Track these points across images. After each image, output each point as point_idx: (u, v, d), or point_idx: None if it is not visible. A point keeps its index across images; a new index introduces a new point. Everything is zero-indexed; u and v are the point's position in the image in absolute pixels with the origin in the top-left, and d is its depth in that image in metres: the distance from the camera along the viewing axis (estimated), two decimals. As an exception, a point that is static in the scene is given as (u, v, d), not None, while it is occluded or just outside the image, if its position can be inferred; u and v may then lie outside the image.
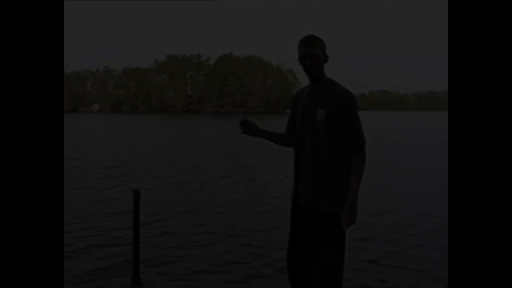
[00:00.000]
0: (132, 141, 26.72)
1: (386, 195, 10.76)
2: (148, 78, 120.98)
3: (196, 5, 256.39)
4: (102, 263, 5.77)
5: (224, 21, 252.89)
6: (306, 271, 3.46)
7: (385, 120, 71.18)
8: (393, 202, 10.04)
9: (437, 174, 13.79)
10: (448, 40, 2.43)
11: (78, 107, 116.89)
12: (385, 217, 8.52)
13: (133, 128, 42.43)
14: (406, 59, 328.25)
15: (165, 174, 14.07)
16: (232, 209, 9.26)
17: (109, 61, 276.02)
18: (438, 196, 10.47)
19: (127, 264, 5.20)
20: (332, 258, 3.34)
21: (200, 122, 58.30)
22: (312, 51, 3.37)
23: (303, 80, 3.50)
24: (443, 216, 8.41)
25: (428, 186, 11.94)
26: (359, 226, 3.37)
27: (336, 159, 3.34)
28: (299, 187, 3.51)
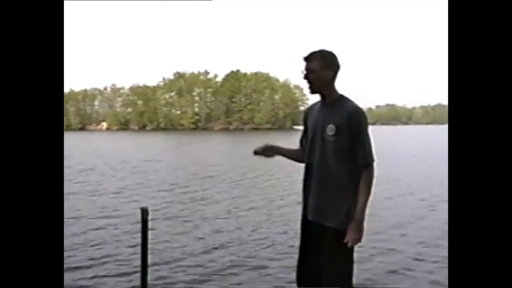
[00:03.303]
0: (147, 160, 26.56)
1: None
2: (155, 96, 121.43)
3: (203, 21, 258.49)
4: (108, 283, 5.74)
5: (232, 37, 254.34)
6: (315, 286, 3.41)
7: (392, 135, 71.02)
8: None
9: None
10: (448, 51, 2.42)
11: (86, 125, 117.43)
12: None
13: (145, 146, 42.43)
14: (412, 72, 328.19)
15: (176, 193, 13.98)
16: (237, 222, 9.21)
17: (117, 79, 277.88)
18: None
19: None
20: (341, 274, 3.31)
21: (209, 139, 58.31)
22: (308, 66, 3.36)
23: (311, 96, 3.45)
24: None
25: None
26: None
27: (345, 175, 3.31)
28: (308, 203, 3.48)
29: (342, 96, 3.43)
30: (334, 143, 3.31)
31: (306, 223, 3.51)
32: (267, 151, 3.65)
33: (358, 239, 3.26)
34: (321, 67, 3.37)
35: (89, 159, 25.26)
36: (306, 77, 3.38)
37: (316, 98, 3.53)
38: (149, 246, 4.25)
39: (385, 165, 19.07)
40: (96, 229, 8.87)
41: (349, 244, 3.24)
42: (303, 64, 3.40)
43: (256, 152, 3.62)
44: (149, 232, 4.14)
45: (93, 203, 11.90)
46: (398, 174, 17.88)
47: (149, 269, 4.49)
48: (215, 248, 7.47)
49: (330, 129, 3.31)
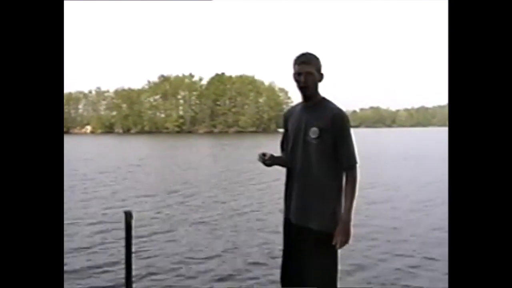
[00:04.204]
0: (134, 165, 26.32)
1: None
2: (140, 99, 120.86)
3: (189, 24, 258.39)
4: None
5: (217, 40, 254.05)
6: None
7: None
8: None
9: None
10: (448, 52, 2.44)
11: (70, 128, 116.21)
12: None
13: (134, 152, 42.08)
14: (396, 75, 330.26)
15: (162, 197, 13.88)
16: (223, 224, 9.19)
17: (101, 82, 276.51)
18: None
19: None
20: (325, 277, 3.31)
21: (194, 142, 57.99)
22: (306, 69, 3.34)
23: (295, 99, 3.45)
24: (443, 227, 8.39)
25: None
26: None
27: (328, 177, 3.31)
28: (290, 206, 3.47)
29: (324, 98, 3.43)
30: (317, 146, 3.31)
31: (288, 226, 3.51)
32: (268, 160, 3.54)
33: (346, 241, 3.27)
34: (317, 70, 3.39)
35: (78, 164, 24.91)
36: (305, 81, 3.36)
37: (298, 100, 3.52)
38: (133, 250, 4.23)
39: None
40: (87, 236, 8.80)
41: (337, 247, 3.26)
42: (297, 67, 3.35)
43: (262, 159, 3.50)
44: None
45: (84, 208, 11.78)
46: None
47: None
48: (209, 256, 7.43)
49: (313, 132, 3.31)
